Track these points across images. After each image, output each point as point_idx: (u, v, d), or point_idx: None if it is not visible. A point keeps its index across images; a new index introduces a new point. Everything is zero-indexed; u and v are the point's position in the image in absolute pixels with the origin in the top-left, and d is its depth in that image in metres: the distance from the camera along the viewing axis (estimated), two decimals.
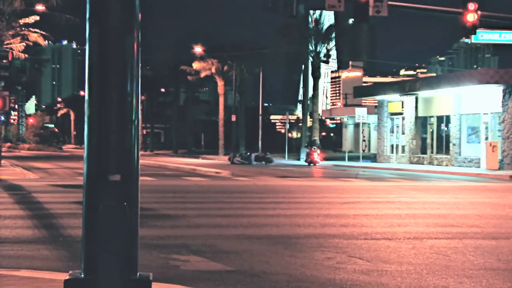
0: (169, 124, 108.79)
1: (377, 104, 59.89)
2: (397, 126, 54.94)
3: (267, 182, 29.13)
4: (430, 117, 51.42)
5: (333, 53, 76.97)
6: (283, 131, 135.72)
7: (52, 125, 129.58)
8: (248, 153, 53.79)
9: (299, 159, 56.44)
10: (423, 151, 51.82)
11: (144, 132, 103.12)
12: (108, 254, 4.54)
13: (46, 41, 52.06)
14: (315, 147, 50.24)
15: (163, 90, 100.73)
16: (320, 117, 72.10)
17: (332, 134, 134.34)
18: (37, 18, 48.07)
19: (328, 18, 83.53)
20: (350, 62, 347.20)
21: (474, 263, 10.15)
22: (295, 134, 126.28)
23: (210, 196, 21.87)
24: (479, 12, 29.13)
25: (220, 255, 10.51)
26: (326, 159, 55.04)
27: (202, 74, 76.86)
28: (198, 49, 76.87)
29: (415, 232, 13.45)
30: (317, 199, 20.70)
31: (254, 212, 17.03)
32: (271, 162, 51.51)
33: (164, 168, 42.78)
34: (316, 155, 49.63)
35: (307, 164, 50.06)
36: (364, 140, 65.39)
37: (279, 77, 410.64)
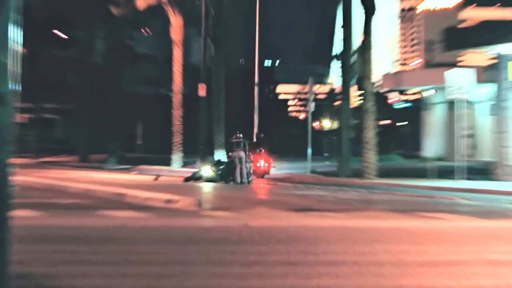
0: (74, 104, 55.57)
1: (492, 63, 31.42)
2: None
3: (267, 222, 16.20)
4: None
5: None
6: (301, 116, 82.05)
7: None
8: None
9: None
10: None
11: (24, 120, 60.10)
12: None
13: None
14: (261, 149, 31.48)
15: (62, 34, 53.34)
16: (375, 90, 31.35)
17: (399, 124, 70.82)
18: None
19: None
20: None
21: None
22: (326, 124, 71.60)
23: (149, 252, 10.25)
24: None
25: None
26: (382, 175, 30.66)
27: (141, 4, 40.39)
28: None
29: None
30: (371, 255, 9.82)
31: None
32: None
33: (62, 192, 22.38)
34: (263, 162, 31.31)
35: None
36: (468, 136, 33.07)
37: (293, 13, 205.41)
